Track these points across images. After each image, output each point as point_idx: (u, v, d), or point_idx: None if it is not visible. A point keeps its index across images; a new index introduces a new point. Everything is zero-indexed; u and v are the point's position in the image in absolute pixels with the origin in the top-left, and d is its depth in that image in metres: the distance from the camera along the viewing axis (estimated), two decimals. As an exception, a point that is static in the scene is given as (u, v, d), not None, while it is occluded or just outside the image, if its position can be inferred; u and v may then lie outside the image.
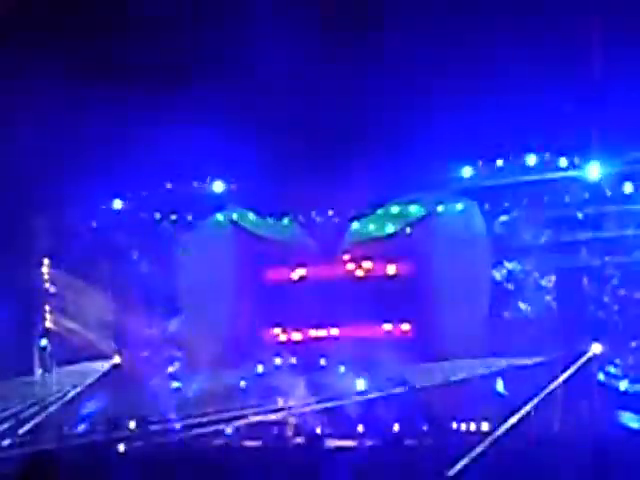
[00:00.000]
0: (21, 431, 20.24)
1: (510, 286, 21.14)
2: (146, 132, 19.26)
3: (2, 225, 19.72)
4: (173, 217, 22.39)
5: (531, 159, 20.32)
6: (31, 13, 18.55)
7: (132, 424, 20.66)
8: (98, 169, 19.87)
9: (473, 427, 20.34)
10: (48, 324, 21.67)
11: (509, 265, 21.19)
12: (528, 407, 19.10)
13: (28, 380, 21.02)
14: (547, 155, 20.33)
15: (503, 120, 18.84)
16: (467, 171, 20.87)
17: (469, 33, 18.60)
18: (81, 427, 20.92)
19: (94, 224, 22.21)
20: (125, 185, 22.03)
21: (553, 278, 20.84)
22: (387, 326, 21.69)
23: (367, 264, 22.07)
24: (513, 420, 20.17)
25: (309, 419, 20.31)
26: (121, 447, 18.40)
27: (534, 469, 15.18)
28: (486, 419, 20.29)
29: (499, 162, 20.64)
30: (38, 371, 21.26)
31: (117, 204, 22.21)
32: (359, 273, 22.10)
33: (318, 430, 18.96)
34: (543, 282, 20.92)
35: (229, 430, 20.05)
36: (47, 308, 21.75)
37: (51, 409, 20.86)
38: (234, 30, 18.83)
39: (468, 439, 19.65)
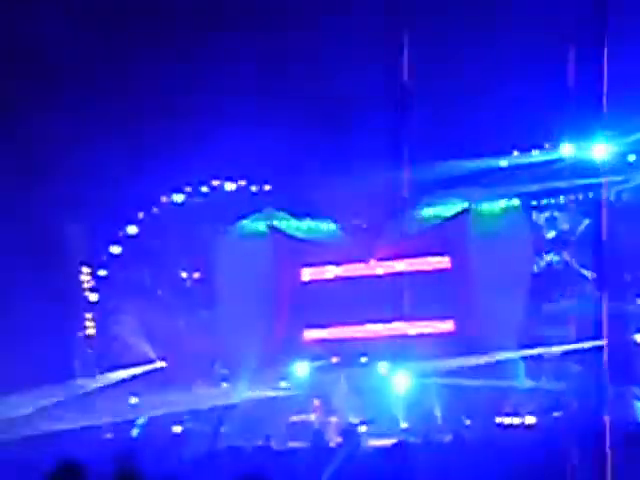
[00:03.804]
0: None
1: (550, 278, 20.93)
2: (183, 138, 19.41)
3: (43, 232, 19.88)
4: (212, 220, 22.53)
5: (566, 148, 20.12)
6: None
7: (178, 428, 20.83)
8: (136, 177, 20.01)
9: (518, 421, 20.17)
10: (89, 331, 21.88)
11: (549, 257, 20.99)
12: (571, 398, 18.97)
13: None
14: (583, 144, 20.08)
15: (538, 110, 18.67)
16: (503, 163, 20.72)
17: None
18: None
19: (135, 230, 22.37)
20: (162, 191, 22.24)
21: (593, 269, 20.56)
22: (428, 321, 21.61)
23: (406, 261, 22.00)
24: (557, 413, 20.01)
25: (350, 418, 20.27)
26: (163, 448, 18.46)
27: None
28: (531, 412, 20.14)
29: (535, 153, 20.46)
30: (80, 378, 21.40)
31: (155, 210, 22.38)
32: (398, 270, 22.04)
33: (360, 429, 18.88)
34: (584, 273, 20.68)
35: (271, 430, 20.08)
36: (88, 315, 21.95)
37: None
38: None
39: (513, 433, 19.57)
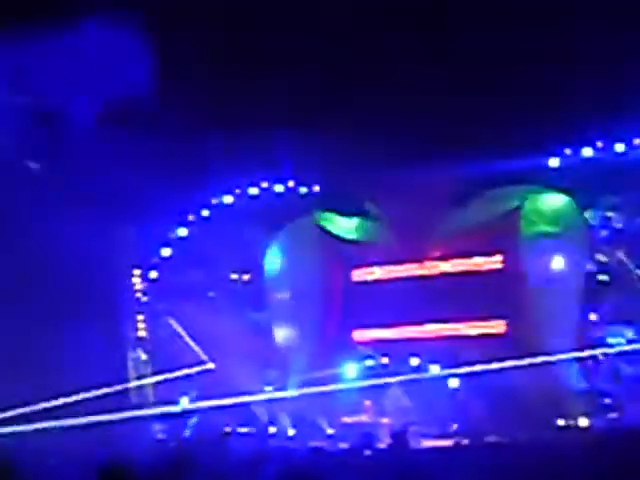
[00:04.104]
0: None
1: (604, 277, 20.61)
2: (231, 140, 19.43)
3: (95, 237, 19.99)
4: (261, 221, 22.53)
5: (619, 146, 19.82)
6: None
7: (227, 429, 20.86)
8: (183, 179, 20.06)
9: (571, 423, 19.89)
10: (140, 333, 22.00)
11: (603, 256, 20.69)
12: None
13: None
14: (637, 141, 19.78)
15: (589, 108, 18.39)
16: (555, 161, 20.48)
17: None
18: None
19: (185, 232, 22.43)
20: (212, 193, 22.29)
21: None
22: (480, 322, 21.41)
23: (457, 260, 21.82)
24: (612, 414, 19.70)
25: (401, 419, 20.13)
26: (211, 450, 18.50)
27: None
28: (585, 414, 19.85)
29: (586, 151, 20.17)
30: (133, 381, 21.49)
31: (205, 212, 22.44)
32: (449, 269, 21.87)
33: (410, 430, 18.73)
34: (638, 273, 20.35)
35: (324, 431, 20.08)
36: (140, 317, 22.06)
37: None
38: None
39: (566, 435, 19.29)
